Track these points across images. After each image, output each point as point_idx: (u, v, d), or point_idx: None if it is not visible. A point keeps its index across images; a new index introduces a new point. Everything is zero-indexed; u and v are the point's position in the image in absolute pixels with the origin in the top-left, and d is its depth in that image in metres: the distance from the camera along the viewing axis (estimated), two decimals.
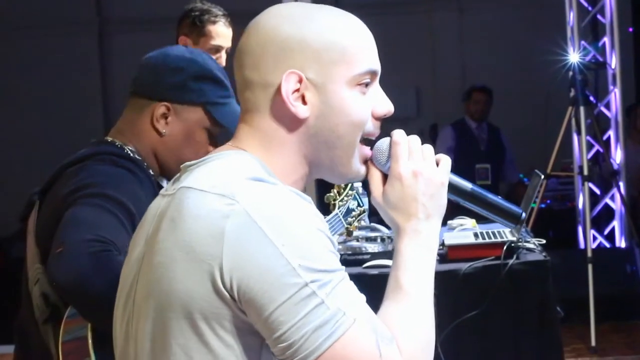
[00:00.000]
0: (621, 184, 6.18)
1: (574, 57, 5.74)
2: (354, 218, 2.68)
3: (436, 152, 1.39)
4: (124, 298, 1.34)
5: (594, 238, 6.09)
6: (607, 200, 6.32)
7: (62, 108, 9.41)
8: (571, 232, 6.66)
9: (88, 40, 9.84)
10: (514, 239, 3.04)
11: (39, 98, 9.48)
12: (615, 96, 6.36)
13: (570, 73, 5.66)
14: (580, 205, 6.31)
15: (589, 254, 5.35)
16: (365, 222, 2.96)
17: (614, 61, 6.30)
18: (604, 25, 6.41)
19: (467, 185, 1.42)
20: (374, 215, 3.11)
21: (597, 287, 5.22)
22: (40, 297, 1.82)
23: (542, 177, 4.88)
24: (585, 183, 5.63)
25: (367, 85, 1.35)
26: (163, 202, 1.31)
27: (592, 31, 6.59)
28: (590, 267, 5.27)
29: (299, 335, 1.16)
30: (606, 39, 6.35)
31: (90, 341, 1.72)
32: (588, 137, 5.89)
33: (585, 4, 6.41)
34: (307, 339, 1.17)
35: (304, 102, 1.32)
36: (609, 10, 6.30)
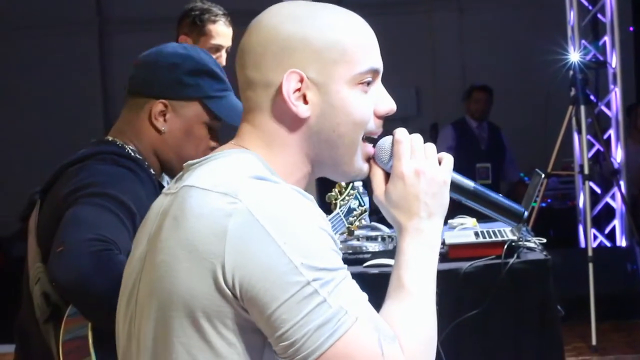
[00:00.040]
0: (622, 183, 6.18)
1: (574, 56, 5.74)
2: (355, 218, 2.68)
3: (437, 152, 1.39)
4: (127, 297, 1.34)
5: (595, 237, 6.09)
6: (608, 199, 6.32)
7: (62, 108, 9.41)
8: (572, 231, 6.65)
9: (88, 40, 9.83)
10: (515, 238, 3.04)
11: (39, 98, 9.48)
12: (615, 95, 6.36)
13: (571, 72, 5.66)
14: (580, 204, 6.31)
15: (590, 253, 5.35)
16: (365, 221, 2.96)
17: (614, 60, 6.30)
18: (604, 24, 6.41)
19: (469, 183, 1.42)
20: (374, 214, 3.12)
21: (597, 286, 5.22)
22: (41, 297, 1.82)
23: (543, 176, 4.88)
24: (586, 182, 5.63)
25: (369, 84, 1.35)
26: (166, 201, 1.31)
27: (593, 30, 6.58)
28: (590, 266, 5.27)
29: (300, 333, 1.16)
30: (607, 38, 6.35)
31: (90, 340, 1.72)
32: (588, 136, 5.89)
33: (586, 3, 6.41)
34: (309, 337, 1.17)
35: (305, 102, 1.32)
36: (609, 10, 6.30)
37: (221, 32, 3.50)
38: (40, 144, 9.05)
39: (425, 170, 1.35)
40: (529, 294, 2.99)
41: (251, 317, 1.20)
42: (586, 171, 5.60)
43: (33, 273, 1.86)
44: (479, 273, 2.96)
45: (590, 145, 6.18)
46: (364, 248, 3.07)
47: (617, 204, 6.29)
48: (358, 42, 1.34)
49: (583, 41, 6.11)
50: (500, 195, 1.45)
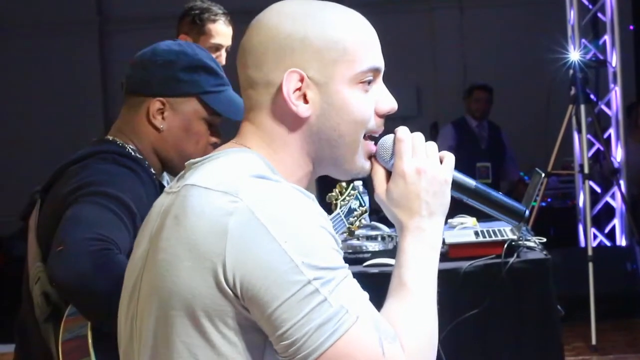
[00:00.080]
0: (622, 182, 6.18)
1: (574, 55, 5.74)
2: (355, 218, 2.68)
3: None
4: (128, 296, 1.34)
5: (595, 236, 6.09)
6: (608, 198, 6.32)
7: (62, 108, 9.41)
8: (572, 231, 6.65)
9: (88, 40, 9.83)
10: (515, 237, 3.04)
11: (39, 98, 9.47)
12: (615, 94, 6.36)
13: (571, 71, 5.66)
14: (580, 204, 6.30)
15: (590, 252, 5.35)
16: (366, 221, 2.95)
17: (614, 59, 6.30)
18: (604, 23, 6.41)
19: (470, 182, 1.42)
20: (374, 213, 3.12)
21: (597, 286, 5.22)
22: (41, 296, 1.82)
23: (543, 175, 4.87)
24: (586, 181, 5.63)
25: (369, 82, 1.34)
26: (167, 200, 1.31)
27: (593, 29, 6.58)
28: (590, 265, 5.27)
29: (301, 332, 1.16)
30: (607, 37, 6.35)
31: (90, 340, 1.72)
32: (589, 136, 5.89)
33: (586, 2, 6.41)
34: (309, 336, 1.16)
35: (306, 101, 1.32)
36: (609, 9, 6.30)
37: (221, 31, 3.50)
38: (40, 144, 9.05)
39: (426, 168, 1.35)
40: (529, 293, 2.99)
41: (252, 316, 1.19)
42: (586, 170, 5.60)
43: (33, 272, 1.86)
44: (479, 272, 2.96)
45: (590, 145, 6.18)
46: (364, 247, 3.07)
47: (617, 203, 6.29)
48: (359, 40, 1.33)
49: (583, 40, 6.11)
50: (501, 194, 1.45)
